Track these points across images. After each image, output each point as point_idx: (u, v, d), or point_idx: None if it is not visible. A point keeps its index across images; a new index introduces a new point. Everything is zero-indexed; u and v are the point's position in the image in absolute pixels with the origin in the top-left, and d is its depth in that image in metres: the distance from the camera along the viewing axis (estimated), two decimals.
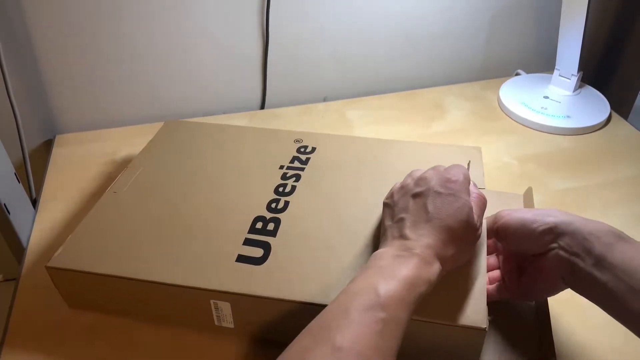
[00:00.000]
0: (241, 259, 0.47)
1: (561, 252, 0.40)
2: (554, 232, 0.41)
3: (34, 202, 0.71)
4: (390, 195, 0.46)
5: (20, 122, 0.71)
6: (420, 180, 0.44)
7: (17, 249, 0.63)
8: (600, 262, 0.38)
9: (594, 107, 0.83)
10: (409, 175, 0.46)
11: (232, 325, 0.48)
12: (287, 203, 0.53)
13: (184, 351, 0.48)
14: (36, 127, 0.79)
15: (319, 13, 0.81)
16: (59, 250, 0.49)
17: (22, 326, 0.51)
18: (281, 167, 0.59)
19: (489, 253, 0.48)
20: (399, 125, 0.81)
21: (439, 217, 0.40)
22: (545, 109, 0.82)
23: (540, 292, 0.45)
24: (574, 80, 0.82)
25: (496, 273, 0.49)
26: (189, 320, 0.49)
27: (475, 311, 0.41)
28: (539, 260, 0.42)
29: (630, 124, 0.82)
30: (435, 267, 0.38)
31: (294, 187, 0.55)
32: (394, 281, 0.36)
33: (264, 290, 0.44)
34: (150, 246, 0.49)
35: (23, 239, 0.63)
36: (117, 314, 0.51)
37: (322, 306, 0.39)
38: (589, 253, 0.39)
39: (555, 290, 0.44)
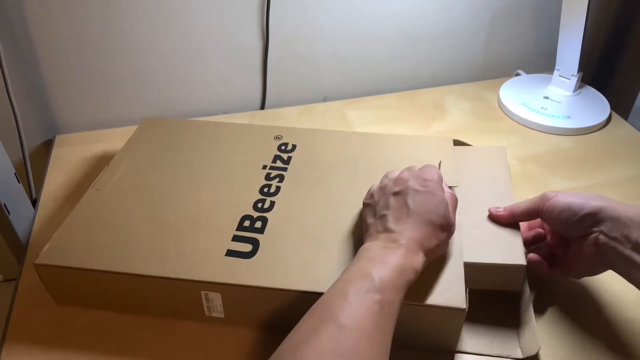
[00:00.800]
0: (230, 253, 0.49)
1: (601, 237, 0.44)
2: (596, 217, 0.44)
3: (34, 202, 0.71)
4: (370, 195, 0.48)
5: (20, 122, 0.71)
6: (398, 180, 0.47)
7: (17, 249, 0.63)
8: (638, 246, 0.41)
9: (594, 107, 0.83)
10: (385, 176, 0.49)
11: (222, 315, 0.49)
12: (272, 203, 0.54)
13: (183, 344, 0.49)
14: (36, 127, 0.79)
15: (319, 13, 0.81)
16: (46, 247, 0.49)
17: (22, 326, 0.51)
18: (264, 167, 0.60)
19: (533, 230, 0.53)
20: (399, 125, 0.81)
21: (420, 212, 0.43)
22: (545, 109, 0.82)
23: (583, 271, 0.49)
24: (574, 80, 0.82)
25: (542, 251, 0.52)
26: (180, 312, 0.50)
27: (455, 293, 0.44)
28: (581, 241, 0.46)
29: (630, 124, 0.82)
30: (420, 257, 0.41)
31: (278, 188, 0.57)
32: (385, 268, 0.39)
33: (254, 280, 0.46)
34: (138, 241, 0.50)
35: (23, 239, 0.63)
36: (105, 308, 0.51)
37: (310, 293, 0.43)
38: (628, 239, 0.42)
39: (597, 271, 0.48)
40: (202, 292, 0.47)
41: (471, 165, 0.61)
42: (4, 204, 0.61)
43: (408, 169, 0.48)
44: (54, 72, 0.75)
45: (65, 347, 0.49)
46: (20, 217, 0.63)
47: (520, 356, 0.47)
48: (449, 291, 0.44)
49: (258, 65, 0.84)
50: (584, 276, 0.51)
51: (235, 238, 0.50)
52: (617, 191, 0.68)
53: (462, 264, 0.46)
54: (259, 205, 0.54)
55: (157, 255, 0.49)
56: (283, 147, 0.63)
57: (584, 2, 0.72)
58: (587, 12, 0.73)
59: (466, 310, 0.43)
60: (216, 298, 0.48)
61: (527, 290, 0.50)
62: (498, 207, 0.52)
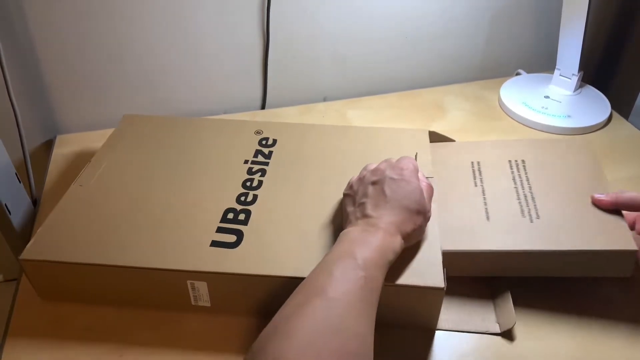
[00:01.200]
0: (215, 244, 0.50)
1: None
2: None
3: (35, 202, 0.71)
4: (350, 186, 0.51)
5: (20, 122, 0.71)
6: (375, 170, 0.49)
7: (18, 249, 0.63)
8: None
9: (595, 106, 0.83)
10: (364, 168, 0.51)
11: (208, 304, 0.50)
12: (255, 196, 0.56)
13: (182, 340, 0.49)
14: (37, 127, 0.79)
15: (319, 13, 0.81)
16: (31, 242, 0.50)
17: (22, 326, 0.51)
18: (246, 161, 0.61)
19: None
20: (399, 125, 0.81)
21: (396, 198, 0.45)
22: (546, 108, 0.82)
23: None
24: (574, 80, 0.82)
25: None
26: (165, 302, 0.51)
27: (433, 274, 0.46)
28: None
29: (631, 123, 0.82)
30: (398, 239, 0.44)
31: (260, 182, 0.58)
32: (367, 248, 0.41)
33: (239, 268, 0.47)
34: (122, 234, 0.51)
35: (24, 239, 0.63)
36: (90, 302, 0.52)
37: (295, 279, 0.45)
38: None
39: None
40: (188, 282, 0.48)
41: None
42: (5, 204, 0.61)
43: (385, 160, 0.50)
44: (55, 72, 0.75)
45: (66, 347, 0.49)
46: (20, 217, 0.64)
47: (498, 330, 0.49)
48: (428, 272, 0.46)
49: (258, 65, 0.84)
50: None
51: (220, 230, 0.51)
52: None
53: (440, 247, 0.49)
54: (242, 198, 0.55)
55: (141, 248, 0.49)
56: (264, 142, 0.64)
57: (584, 2, 0.72)
58: (587, 12, 0.73)
59: (444, 289, 0.45)
60: (202, 287, 0.49)
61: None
62: (601, 194, 0.52)
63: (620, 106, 0.85)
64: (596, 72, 0.96)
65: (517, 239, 0.50)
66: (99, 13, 0.72)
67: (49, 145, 0.80)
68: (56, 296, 0.52)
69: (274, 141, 0.64)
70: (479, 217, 0.53)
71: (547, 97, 0.84)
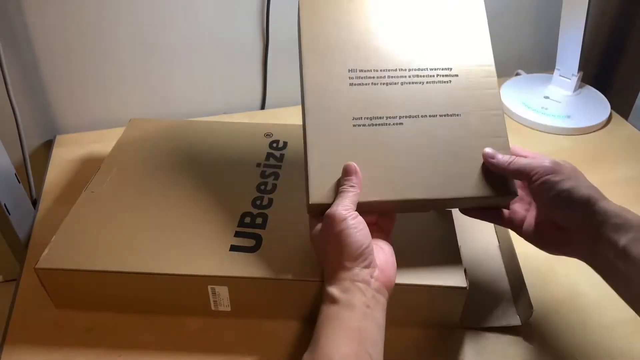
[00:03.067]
0: (234, 248, 0.50)
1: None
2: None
3: (34, 203, 0.71)
4: None
5: (20, 122, 0.71)
6: None
7: (18, 249, 0.63)
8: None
9: (595, 107, 0.83)
10: None
11: (228, 309, 0.50)
12: (271, 200, 0.55)
13: (183, 339, 0.49)
14: (36, 128, 0.79)
15: None
16: (46, 251, 0.49)
17: (22, 326, 0.51)
18: (258, 164, 0.61)
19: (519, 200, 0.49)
20: None
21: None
22: (546, 109, 0.82)
23: (543, 245, 0.46)
24: (574, 80, 0.82)
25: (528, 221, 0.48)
26: (185, 308, 0.50)
27: (455, 274, 0.47)
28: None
29: (631, 124, 0.82)
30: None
31: (275, 185, 0.57)
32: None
33: (261, 272, 0.47)
34: (139, 240, 0.50)
35: (23, 240, 0.63)
36: (108, 310, 0.51)
37: (315, 282, 0.46)
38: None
39: (560, 251, 0.45)
40: (209, 287, 0.48)
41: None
42: (4, 204, 0.61)
43: None
44: (54, 73, 0.75)
45: (66, 348, 0.49)
46: (20, 217, 0.63)
47: (519, 322, 0.50)
48: (450, 272, 0.47)
49: (258, 65, 0.84)
50: (537, 245, 0.48)
51: (238, 234, 0.51)
52: (617, 191, 0.67)
53: (459, 247, 0.50)
54: (258, 202, 0.55)
55: (159, 253, 0.49)
56: (274, 145, 0.64)
57: (584, 2, 0.72)
58: (587, 12, 0.73)
59: (467, 288, 0.46)
60: (223, 292, 0.48)
61: (516, 257, 0.53)
62: (492, 151, 0.46)
63: (620, 106, 0.85)
64: (596, 72, 0.96)
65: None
66: (99, 13, 0.72)
67: (48, 145, 0.80)
68: (72, 304, 0.51)
69: (285, 144, 0.64)
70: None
71: (546, 97, 0.84)
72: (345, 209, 0.42)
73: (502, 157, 0.46)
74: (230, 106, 0.87)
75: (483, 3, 0.52)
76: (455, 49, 0.50)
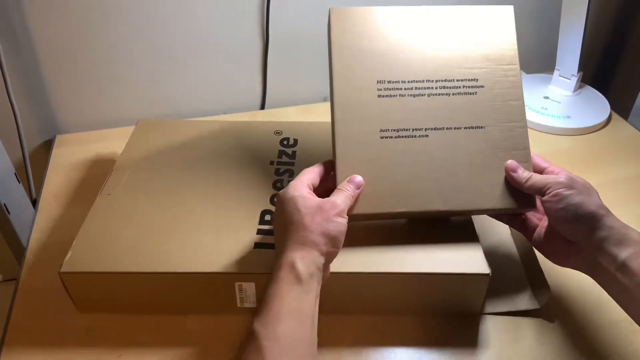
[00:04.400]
0: (259, 245, 0.50)
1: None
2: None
3: (34, 203, 0.71)
4: None
5: (20, 122, 0.71)
6: None
7: (17, 249, 0.63)
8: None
9: (594, 107, 0.83)
10: None
11: (254, 305, 0.50)
12: None
13: (181, 341, 0.49)
14: (36, 128, 0.79)
15: (319, 13, 0.81)
16: (69, 255, 0.49)
17: (22, 326, 0.51)
18: (271, 162, 0.61)
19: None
20: None
21: None
22: (546, 109, 0.82)
23: (553, 257, 0.49)
24: (574, 80, 0.82)
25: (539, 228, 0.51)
26: (210, 306, 0.51)
27: (477, 261, 0.48)
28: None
29: (631, 124, 0.82)
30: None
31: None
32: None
33: None
34: (161, 241, 0.50)
35: (23, 239, 0.63)
36: (132, 312, 0.51)
37: (339, 274, 0.46)
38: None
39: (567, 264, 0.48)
40: (237, 284, 0.48)
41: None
42: (4, 204, 0.61)
43: None
44: (54, 72, 0.75)
45: (66, 348, 0.49)
46: (20, 217, 0.63)
47: (538, 306, 0.51)
48: (472, 260, 0.48)
49: (258, 65, 0.84)
50: (544, 254, 0.50)
51: (260, 232, 0.51)
52: (617, 191, 0.68)
53: (477, 235, 0.51)
54: (276, 200, 0.55)
55: (185, 253, 0.49)
56: (285, 142, 0.64)
57: (584, 2, 0.72)
58: (587, 12, 0.73)
59: (490, 275, 0.47)
60: (250, 288, 0.49)
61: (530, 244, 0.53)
62: (515, 165, 0.49)
63: (620, 107, 0.85)
64: (596, 72, 0.97)
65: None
66: (99, 13, 0.72)
67: (48, 145, 0.80)
68: (95, 307, 0.51)
69: (295, 141, 0.64)
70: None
71: (546, 97, 0.84)
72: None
73: (521, 174, 0.48)
74: (230, 106, 0.87)
75: (513, 13, 0.52)
76: (482, 60, 0.51)
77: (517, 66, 0.51)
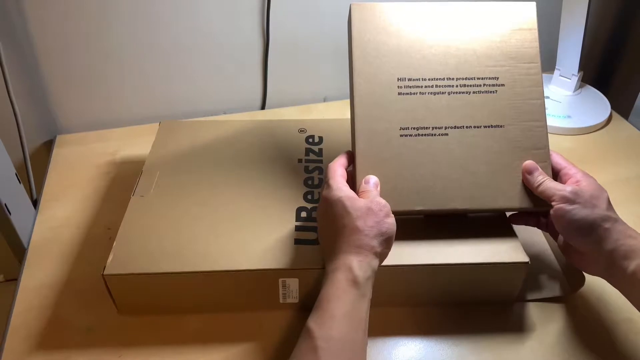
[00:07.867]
0: (299, 242, 0.50)
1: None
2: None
3: (35, 203, 0.71)
4: None
5: (20, 122, 0.71)
6: None
7: (18, 249, 0.63)
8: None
9: (595, 107, 0.83)
10: None
11: (296, 300, 0.51)
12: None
13: (181, 341, 0.49)
14: (37, 128, 0.79)
15: (319, 13, 0.81)
16: (110, 258, 0.48)
17: (22, 326, 0.51)
18: (299, 160, 0.61)
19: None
20: None
21: None
22: (546, 109, 0.81)
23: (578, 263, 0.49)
24: (574, 80, 0.82)
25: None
26: (252, 303, 0.51)
27: (515, 251, 0.49)
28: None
29: (631, 124, 0.82)
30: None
31: (321, 180, 0.58)
32: None
33: None
34: (201, 240, 0.50)
35: (24, 239, 0.63)
36: (174, 312, 0.51)
37: (389, 267, 0.47)
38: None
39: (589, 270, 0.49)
40: (280, 280, 0.48)
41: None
42: (5, 204, 0.61)
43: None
44: (55, 72, 0.75)
45: (66, 348, 0.49)
46: (21, 217, 0.63)
47: (571, 292, 0.52)
48: (510, 249, 0.49)
49: (258, 65, 0.84)
50: (568, 259, 0.51)
51: (298, 228, 0.52)
52: (617, 191, 0.67)
53: (513, 228, 0.51)
54: (309, 197, 0.56)
55: (226, 251, 0.49)
56: (311, 140, 0.64)
57: (584, 2, 0.72)
58: (587, 12, 0.73)
59: (529, 263, 0.48)
60: (293, 284, 0.49)
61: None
62: (532, 164, 0.49)
63: (620, 106, 0.85)
64: (596, 72, 0.97)
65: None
66: (99, 13, 0.72)
67: (49, 145, 0.80)
68: (137, 309, 0.51)
69: (320, 138, 0.64)
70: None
71: (547, 97, 0.84)
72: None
73: (534, 177, 0.48)
74: (230, 106, 0.87)
75: (535, 11, 0.52)
76: (503, 58, 0.51)
77: (539, 64, 0.51)
